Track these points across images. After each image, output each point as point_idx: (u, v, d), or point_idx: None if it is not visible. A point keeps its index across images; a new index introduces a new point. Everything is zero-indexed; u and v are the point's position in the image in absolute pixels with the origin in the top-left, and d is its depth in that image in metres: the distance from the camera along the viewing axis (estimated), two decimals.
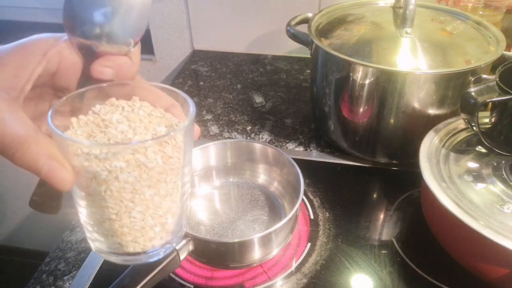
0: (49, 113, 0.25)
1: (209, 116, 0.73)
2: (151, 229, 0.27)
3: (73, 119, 0.26)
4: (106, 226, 0.26)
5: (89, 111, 0.27)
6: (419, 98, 0.51)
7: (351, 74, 0.52)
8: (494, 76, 0.44)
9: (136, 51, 0.30)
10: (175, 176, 0.27)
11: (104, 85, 0.29)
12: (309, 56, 0.61)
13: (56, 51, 0.28)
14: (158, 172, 0.25)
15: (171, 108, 0.29)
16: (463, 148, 0.47)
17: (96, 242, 0.28)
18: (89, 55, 0.29)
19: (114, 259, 0.28)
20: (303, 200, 0.53)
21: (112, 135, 0.25)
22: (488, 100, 0.43)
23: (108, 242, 0.27)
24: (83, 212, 0.27)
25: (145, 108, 0.28)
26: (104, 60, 0.28)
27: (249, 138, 0.67)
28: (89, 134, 0.25)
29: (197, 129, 0.30)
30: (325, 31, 0.59)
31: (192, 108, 0.28)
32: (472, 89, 0.44)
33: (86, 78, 0.29)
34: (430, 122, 0.50)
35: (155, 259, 0.29)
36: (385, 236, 0.49)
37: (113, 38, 0.28)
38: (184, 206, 0.30)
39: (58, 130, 0.24)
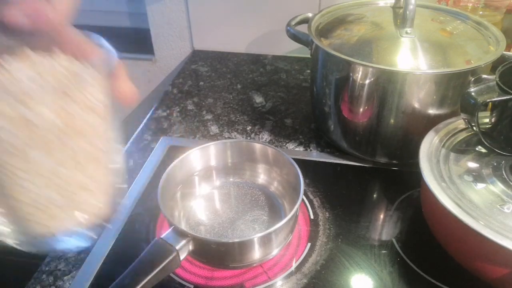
0: None
1: (209, 116, 0.73)
2: (54, 206, 0.22)
3: None
4: None
5: None
6: (419, 98, 0.51)
7: (351, 74, 0.52)
8: (494, 76, 0.44)
9: None
10: (84, 140, 0.22)
11: (20, 34, 0.24)
12: (309, 56, 0.61)
13: None
14: (52, 132, 0.21)
15: (96, 61, 0.24)
16: (463, 148, 0.47)
17: None
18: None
19: (15, 243, 0.24)
20: (303, 200, 0.53)
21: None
22: (488, 100, 0.43)
23: (8, 221, 0.23)
24: None
25: (63, 61, 0.23)
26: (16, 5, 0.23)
27: (249, 138, 0.67)
28: None
29: (132, 89, 0.25)
30: (325, 31, 0.59)
31: (113, 56, 0.24)
32: (472, 89, 0.44)
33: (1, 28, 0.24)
34: (430, 122, 0.50)
35: (69, 246, 0.24)
36: (385, 236, 0.49)
37: None
38: (109, 182, 0.25)
39: None
